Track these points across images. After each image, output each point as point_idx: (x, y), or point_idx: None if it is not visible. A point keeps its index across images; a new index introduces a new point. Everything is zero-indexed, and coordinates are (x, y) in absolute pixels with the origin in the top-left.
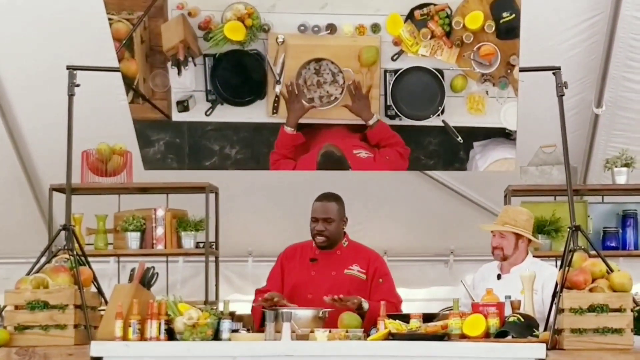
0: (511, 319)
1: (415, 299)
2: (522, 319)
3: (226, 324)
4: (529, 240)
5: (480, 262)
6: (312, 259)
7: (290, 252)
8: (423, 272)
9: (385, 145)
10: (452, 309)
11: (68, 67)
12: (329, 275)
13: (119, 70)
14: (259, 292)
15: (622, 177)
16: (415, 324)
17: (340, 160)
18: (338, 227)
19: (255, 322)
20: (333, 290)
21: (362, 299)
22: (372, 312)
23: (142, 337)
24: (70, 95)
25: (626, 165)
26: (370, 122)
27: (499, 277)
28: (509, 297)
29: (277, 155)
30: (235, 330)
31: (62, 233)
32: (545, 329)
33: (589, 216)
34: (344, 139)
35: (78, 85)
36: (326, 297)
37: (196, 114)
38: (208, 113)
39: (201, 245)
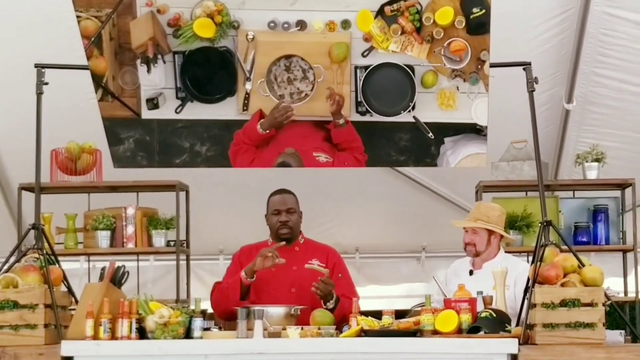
0: (483, 315)
1: (388, 295)
2: (494, 315)
3: (198, 322)
4: (501, 236)
5: (452, 258)
6: None
7: (246, 252)
8: (396, 269)
9: (346, 148)
10: (424, 305)
11: (36, 65)
12: (290, 270)
13: (87, 68)
14: (218, 284)
15: (592, 172)
16: (387, 320)
17: (293, 169)
18: (298, 219)
19: (235, 293)
20: (296, 284)
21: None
22: (342, 307)
23: (113, 336)
24: (39, 94)
25: (597, 160)
26: (340, 122)
27: (471, 272)
28: (481, 292)
29: (238, 143)
30: (207, 329)
31: (32, 232)
32: (517, 324)
33: (560, 211)
34: (306, 139)
35: (46, 84)
36: (315, 284)
37: (166, 111)
38: (178, 110)
39: (172, 243)
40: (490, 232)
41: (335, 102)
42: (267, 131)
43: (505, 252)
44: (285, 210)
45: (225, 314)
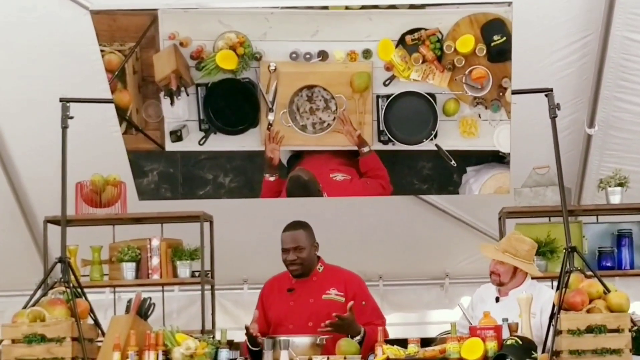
0: (509, 342)
1: (411, 322)
2: (520, 342)
3: (224, 354)
4: None
5: (475, 285)
6: (289, 289)
7: (268, 287)
8: (419, 296)
9: (371, 176)
10: (449, 333)
11: (61, 100)
12: (307, 303)
13: (112, 102)
14: (247, 328)
15: (616, 197)
16: (413, 349)
17: (307, 185)
18: (310, 254)
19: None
20: (313, 318)
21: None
22: (369, 338)
23: None
24: (64, 128)
25: (620, 184)
26: (364, 150)
27: (497, 299)
28: (507, 320)
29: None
30: (233, 359)
31: (58, 265)
32: (543, 351)
33: (584, 236)
34: (322, 165)
35: (71, 118)
36: (326, 322)
37: (189, 143)
38: (201, 142)
39: (197, 274)
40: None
41: (347, 132)
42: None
43: (532, 278)
44: (292, 249)
45: None
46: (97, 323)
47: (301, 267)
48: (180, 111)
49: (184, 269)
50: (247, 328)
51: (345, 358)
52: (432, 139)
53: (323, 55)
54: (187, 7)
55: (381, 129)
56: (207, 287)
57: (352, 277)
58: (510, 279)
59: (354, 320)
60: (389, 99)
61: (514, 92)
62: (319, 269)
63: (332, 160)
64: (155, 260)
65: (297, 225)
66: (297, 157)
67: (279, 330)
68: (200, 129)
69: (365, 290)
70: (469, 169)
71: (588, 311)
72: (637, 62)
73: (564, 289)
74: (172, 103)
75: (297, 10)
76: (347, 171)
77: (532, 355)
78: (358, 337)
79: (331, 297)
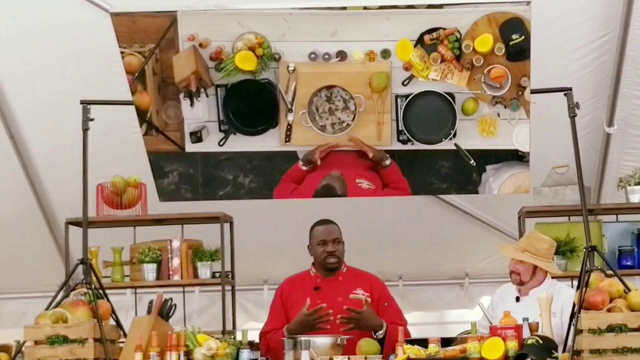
0: (529, 341)
1: (431, 322)
2: (541, 341)
3: (245, 354)
4: None
5: (494, 284)
6: (316, 287)
7: (288, 286)
8: (438, 296)
9: (392, 187)
10: (469, 333)
11: (82, 102)
12: (336, 301)
13: (132, 103)
14: (264, 333)
15: (635, 196)
16: (433, 348)
17: (337, 195)
18: (344, 249)
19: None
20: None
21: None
22: (392, 336)
23: None
24: (85, 130)
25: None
26: (386, 163)
27: (517, 299)
28: (527, 319)
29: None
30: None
31: (80, 267)
32: (564, 351)
33: (603, 235)
34: (349, 167)
35: (92, 120)
36: (340, 316)
37: (209, 144)
38: (221, 143)
39: (217, 275)
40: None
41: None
42: (309, 166)
43: (552, 277)
44: (331, 241)
45: None
46: (118, 324)
47: (338, 260)
48: (199, 112)
49: (204, 270)
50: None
51: (366, 358)
52: (451, 139)
53: (342, 55)
54: (206, 9)
55: (400, 128)
56: (228, 287)
57: (375, 279)
58: (531, 278)
59: (373, 314)
60: (408, 99)
61: (533, 91)
62: (343, 269)
63: (359, 162)
64: (176, 261)
65: (330, 221)
66: None
67: None
68: (220, 130)
69: (388, 292)
70: (488, 167)
71: (609, 310)
72: None
73: (584, 288)
74: (191, 104)
75: (315, 11)
76: (372, 179)
77: (553, 355)
78: (381, 332)
79: (359, 297)
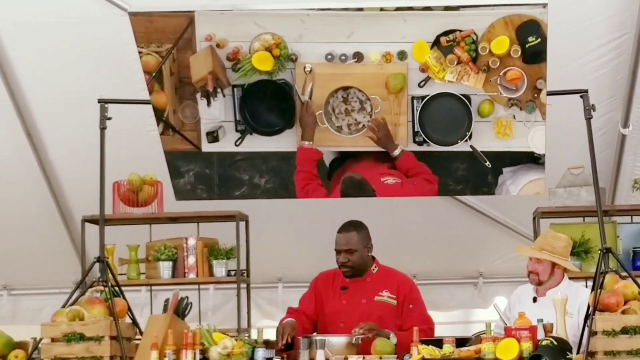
0: (544, 343)
1: (444, 321)
2: (555, 342)
3: (260, 353)
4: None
5: (508, 284)
6: (343, 287)
7: (323, 279)
8: (452, 295)
9: (413, 174)
10: (484, 333)
11: (99, 101)
12: (360, 303)
13: (149, 103)
14: (291, 310)
15: None
16: (448, 349)
17: (361, 184)
18: (362, 256)
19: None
20: (364, 318)
21: (389, 332)
22: (403, 339)
23: None
24: (102, 129)
25: None
26: (395, 153)
27: (534, 300)
28: (542, 320)
29: (302, 175)
30: (269, 359)
31: (96, 265)
32: (578, 352)
33: (618, 236)
34: (372, 169)
35: (109, 119)
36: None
37: (226, 144)
38: (237, 143)
39: (232, 273)
40: (554, 263)
41: (370, 128)
42: (313, 145)
43: (569, 278)
44: (344, 251)
45: None
46: (134, 322)
47: (351, 270)
48: (216, 112)
49: (219, 268)
50: (281, 329)
51: (380, 358)
52: (466, 140)
53: (358, 56)
54: (223, 9)
55: (416, 130)
56: (243, 285)
57: (405, 280)
58: (549, 277)
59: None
60: (424, 100)
61: (549, 94)
62: (373, 269)
63: (380, 165)
64: (191, 259)
65: (351, 227)
66: (340, 160)
67: (329, 326)
68: (237, 130)
69: (416, 295)
70: (505, 169)
71: (623, 312)
72: None
73: (599, 290)
74: (208, 104)
75: (332, 12)
76: (396, 175)
77: (567, 356)
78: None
79: (383, 299)
